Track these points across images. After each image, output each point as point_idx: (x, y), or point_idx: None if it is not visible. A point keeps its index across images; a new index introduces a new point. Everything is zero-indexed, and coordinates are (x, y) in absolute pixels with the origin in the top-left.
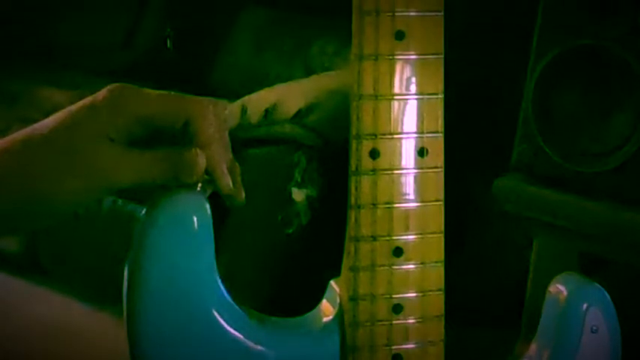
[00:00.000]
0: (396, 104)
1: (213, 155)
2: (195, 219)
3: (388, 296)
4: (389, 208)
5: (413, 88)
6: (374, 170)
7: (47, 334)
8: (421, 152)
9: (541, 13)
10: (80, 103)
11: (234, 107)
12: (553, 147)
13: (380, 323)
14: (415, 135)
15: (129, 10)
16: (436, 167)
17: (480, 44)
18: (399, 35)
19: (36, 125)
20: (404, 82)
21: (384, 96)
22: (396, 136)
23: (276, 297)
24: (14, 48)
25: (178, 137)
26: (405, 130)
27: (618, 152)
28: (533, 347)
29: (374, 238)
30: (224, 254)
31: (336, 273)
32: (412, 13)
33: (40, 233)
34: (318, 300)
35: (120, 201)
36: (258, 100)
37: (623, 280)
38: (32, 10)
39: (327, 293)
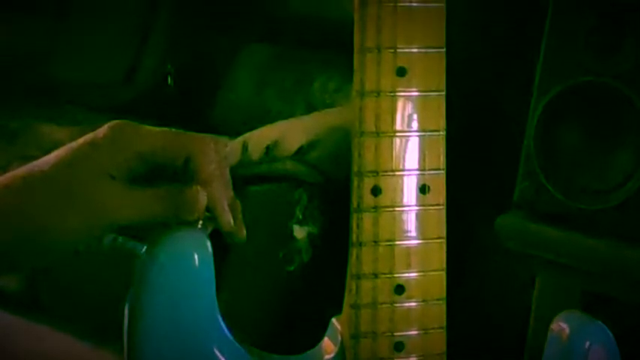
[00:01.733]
0: (397, 141)
1: (214, 192)
2: (196, 256)
3: (390, 334)
4: (390, 245)
5: (415, 125)
6: (375, 207)
7: None
8: (423, 189)
9: (543, 49)
10: (81, 140)
11: (235, 144)
12: (555, 184)
13: None
14: (417, 172)
15: (130, 47)
16: (438, 204)
17: (483, 81)
18: (401, 72)
19: (36, 162)
20: (406, 119)
21: (385, 133)
22: (397, 173)
23: (277, 335)
24: (14, 84)
25: (179, 174)
26: (407, 167)
27: (621, 189)
28: None
29: (375, 275)
30: (225, 291)
31: (337, 310)
32: (414, 50)
33: (40, 270)
34: (320, 338)
35: (120, 238)
36: (260, 137)
37: (625, 318)
38: (33, 47)
39: (329, 331)
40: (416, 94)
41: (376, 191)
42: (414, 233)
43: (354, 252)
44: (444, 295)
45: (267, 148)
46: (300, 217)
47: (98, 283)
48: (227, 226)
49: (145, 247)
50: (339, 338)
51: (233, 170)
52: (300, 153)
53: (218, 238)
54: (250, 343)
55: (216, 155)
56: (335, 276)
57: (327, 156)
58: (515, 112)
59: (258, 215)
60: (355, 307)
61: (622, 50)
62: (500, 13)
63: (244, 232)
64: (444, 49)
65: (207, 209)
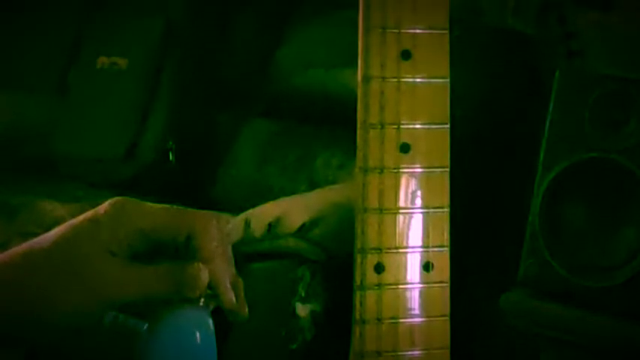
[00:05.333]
0: (401, 218)
1: (216, 270)
2: (197, 334)
3: None
4: (394, 323)
5: (418, 202)
6: (379, 285)
7: None
8: (427, 267)
9: (548, 125)
10: (82, 217)
11: (238, 221)
12: (560, 261)
13: None
14: (420, 249)
15: (131, 123)
16: (442, 282)
17: (487, 157)
18: (404, 148)
19: (37, 239)
20: (409, 196)
21: (389, 210)
22: (401, 250)
23: None
24: (15, 160)
25: (181, 251)
26: (411, 244)
27: (626, 266)
28: None
29: (379, 353)
30: None
31: None
32: (417, 126)
33: (40, 348)
34: None
35: (121, 316)
36: (262, 214)
37: None
38: (33, 122)
39: None
40: (419, 170)
41: (379, 268)
42: (417, 311)
43: (357, 329)
44: None
45: (270, 225)
46: (303, 294)
47: None
48: (229, 303)
49: (147, 325)
50: None
51: (235, 247)
52: (303, 230)
53: (220, 315)
54: None
55: (219, 232)
56: (338, 354)
57: (330, 233)
58: (519, 189)
59: (261, 293)
60: None
61: (628, 125)
62: (504, 89)
63: (246, 309)
64: (448, 126)
65: (209, 287)
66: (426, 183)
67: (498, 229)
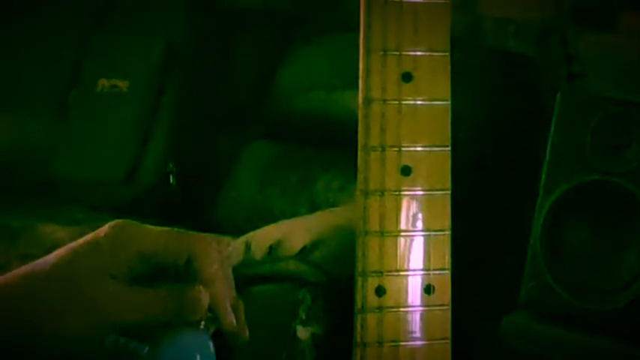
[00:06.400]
0: (402, 241)
1: (217, 293)
2: (198, 357)
3: None
4: (395, 346)
5: (419, 225)
6: (380, 308)
7: None
8: (428, 289)
9: (549, 148)
10: (82, 240)
11: (238, 244)
12: (562, 284)
13: None
14: (422, 272)
15: (131, 146)
16: (443, 305)
17: (488, 179)
18: (405, 170)
19: (37, 262)
20: (410, 219)
21: (390, 232)
22: (402, 273)
23: None
24: (15, 183)
25: (181, 274)
26: (412, 267)
27: (628, 289)
28: None
29: None
30: None
31: None
32: (418, 148)
33: None
34: None
35: (122, 339)
36: (262, 237)
37: None
38: (33, 145)
39: None
40: (421, 193)
41: (380, 291)
42: (418, 334)
43: (358, 353)
44: None
45: (270, 247)
46: (304, 317)
47: None
48: (229, 326)
49: (147, 348)
50: None
51: (236, 270)
52: (304, 253)
53: (220, 338)
54: None
55: (219, 255)
56: None
57: (331, 256)
58: (520, 211)
59: (261, 316)
60: None
61: (629, 148)
62: (505, 112)
63: (247, 332)
64: (449, 148)
65: (210, 309)
66: (427, 206)
67: (500, 251)
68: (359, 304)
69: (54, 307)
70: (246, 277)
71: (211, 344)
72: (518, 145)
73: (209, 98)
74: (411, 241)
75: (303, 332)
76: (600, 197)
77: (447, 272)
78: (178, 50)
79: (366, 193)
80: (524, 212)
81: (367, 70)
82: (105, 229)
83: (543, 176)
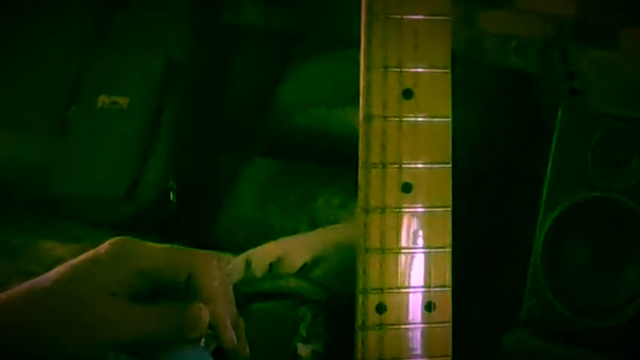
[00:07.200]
0: (403, 258)
1: (217, 310)
2: None
3: None
4: None
5: (420, 242)
6: (380, 325)
7: None
8: (428, 307)
9: (550, 164)
10: (82, 257)
11: (239, 261)
12: (563, 301)
13: None
14: (422, 289)
15: (131, 163)
16: (444, 322)
17: (489, 196)
18: (406, 187)
19: (37, 279)
20: (411, 236)
21: (390, 250)
22: (403, 290)
23: None
24: (15, 200)
25: (182, 291)
26: (412, 284)
27: (629, 306)
28: None
29: None
30: None
31: None
32: (419, 165)
33: None
34: None
35: (122, 356)
36: (263, 254)
37: None
38: (33, 162)
39: None
40: (421, 210)
41: (381, 309)
42: (419, 351)
43: None
44: None
45: (271, 265)
46: (304, 334)
47: None
48: (230, 344)
49: None
50: None
51: (236, 287)
52: (304, 270)
53: (221, 356)
54: None
55: (219, 272)
56: None
57: (332, 273)
58: (521, 228)
59: (262, 333)
60: None
61: (630, 165)
62: (506, 128)
63: (247, 350)
64: (450, 165)
65: (210, 327)
66: (428, 223)
67: (500, 268)
68: (360, 322)
69: (54, 325)
70: (247, 295)
71: None
72: (519, 162)
73: (209, 115)
74: (412, 258)
75: (303, 349)
76: (601, 214)
77: (448, 289)
78: (179, 67)
79: (367, 210)
80: (526, 229)
81: (368, 87)
82: (105, 246)
83: (544, 193)
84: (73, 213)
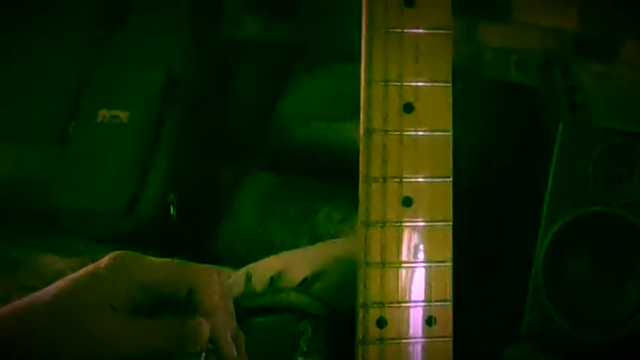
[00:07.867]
0: (403, 272)
1: (218, 324)
2: None
3: None
4: None
5: (421, 256)
6: (381, 339)
7: None
8: (429, 321)
9: (551, 180)
10: (82, 271)
11: (239, 275)
12: (563, 315)
13: None
14: (423, 303)
15: (131, 177)
16: (444, 336)
17: (490, 210)
18: (407, 201)
19: (37, 293)
20: (412, 250)
21: (391, 264)
22: (403, 304)
23: None
24: (15, 213)
25: (182, 305)
26: (413, 298)
27: (630, 321)
28: None
29: None
30: None
31: None
32: (420, 179)
33: None
34: None
35: None
36: (263, 268)
37: None
38: (33, 176)
39: None
40: (422, 224)
41: (382, 323)
42: None
43: None
44: None
45: (271, 279)
46: (305, 349)
47: None
48: (230, 358)
49: None
50: None
51: (236, 302)
52: (305, 284)
53: None
54: None
55: (220, 286)
56: None
57: (332, 287)
58: (522, 242)
59: (262, 347)
60: None
61: (631, 179)
62: (507, 142)
63: None
64: (451, 179)
65: (211, 341)
66: (429, 237)
67: (501, 283)
68: (360, 336)
69: (54, 339)
70: (247, 309)
71: None
72: (520, 176)
73: (210, 129)
74: (413, 272)
75: None
76: (602, 228)
77: (449, 304)
78: (179, 80)
79: (368, 225)
80: (526, 243)
81: (368, 101)
82: (105, 260)
83: (545, 207)
84: (73, 227)
